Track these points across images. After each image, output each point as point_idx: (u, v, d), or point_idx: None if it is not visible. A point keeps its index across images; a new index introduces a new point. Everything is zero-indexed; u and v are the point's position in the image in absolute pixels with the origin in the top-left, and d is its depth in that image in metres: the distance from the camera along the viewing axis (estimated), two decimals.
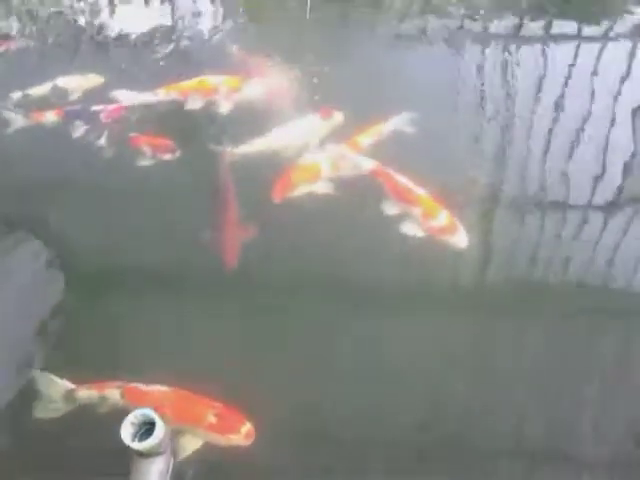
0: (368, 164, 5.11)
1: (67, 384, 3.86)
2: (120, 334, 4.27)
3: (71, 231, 4.97)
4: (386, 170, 5.04)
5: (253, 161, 5.34)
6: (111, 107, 6.03)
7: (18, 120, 5.95)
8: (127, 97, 6.05)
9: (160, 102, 6.01)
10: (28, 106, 6.09)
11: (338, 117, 5.65)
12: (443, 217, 4.75)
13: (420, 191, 4.90)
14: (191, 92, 6.05)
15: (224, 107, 5.92)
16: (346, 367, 4.02)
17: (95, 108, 6.01)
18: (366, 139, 5.44)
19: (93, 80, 6.40)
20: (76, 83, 6.40)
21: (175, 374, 3.78)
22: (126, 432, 3.29)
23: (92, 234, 4.94)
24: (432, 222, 4.73)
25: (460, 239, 4.74)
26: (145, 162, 5.46)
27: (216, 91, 6.04)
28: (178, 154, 5.49)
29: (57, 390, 3.86)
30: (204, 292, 4.49)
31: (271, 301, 4.34)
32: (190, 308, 4.39)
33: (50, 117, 6.00)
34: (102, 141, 5.68)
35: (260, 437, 3.64)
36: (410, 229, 4.74)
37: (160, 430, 3.33)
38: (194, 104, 5.95)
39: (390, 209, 4.86)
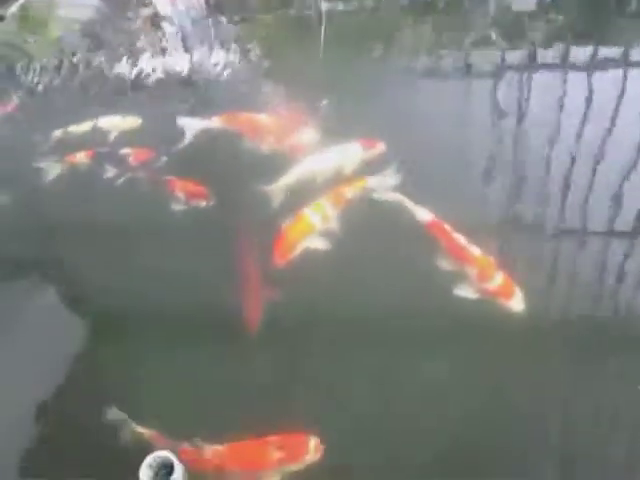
0: (424, 215, 4.79)
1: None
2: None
3: (94, 275, 5.02)
4: (443, 224, 4.73)
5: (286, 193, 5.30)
6: (139, 151, 6.07)
7: (53, 167, 6.04)
8: (190, 124, 6.02)
9: (217, 129, 5.99)
10: (64, 148, 6.19)
11: (380, 148, 5.49)
12: (499, 278, 4.45)
13: (475, 249, 4.60)
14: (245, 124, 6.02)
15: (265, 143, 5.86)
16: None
17: (124, 151, 6.07)
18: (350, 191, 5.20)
19: (131, 122, 6.50)
20: (115, 124, 6.52)
21: (211, 429, 3.72)
22: (144, 475, 3.32)
23: (116, 278, 4.95)
24: (487, 284, 4.44)
25: (516, 303, 4.42)
26: (178, 207, 5.40)
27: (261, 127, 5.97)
28: (211, 202, 5.40)
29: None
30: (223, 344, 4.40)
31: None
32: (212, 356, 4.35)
33: (82, 159, 6.11)
34: (135, 183, 5.71)
35: None
36: (464, 290, 4.45)
37: (179, 473, 3.36)
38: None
39: (443, 265, 4.58)
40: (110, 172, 5.85)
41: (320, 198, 4.99)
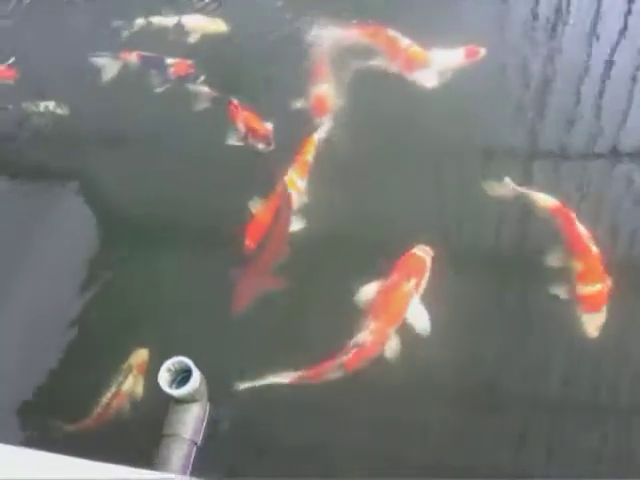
0: (549, 201, 4.36)
1: None
2: None
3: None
4: (569, 212, 4.32)
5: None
6: (180, 63, 5.73)
7: (108, 65, 5.87)
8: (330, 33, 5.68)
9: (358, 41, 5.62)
10: (138, 39, 5.99)
11: (482, 54, 5.28)
12: (598, 286, 4.03)
13: (594, 248, 4.16)
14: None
15: None
16: None
17: (169, 60, 5.77)
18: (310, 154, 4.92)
19: (217, 25, 6.08)
20: (199, 24, 6.16)
21: None
22: (163, 379, 3.42)
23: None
24: (585, 288, 4.05)
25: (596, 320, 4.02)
26: (232, 141, 5.08)
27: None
28: (271, 147, 5.01)
29: None
30: None
31: None
32: None
33: (132, 59, 5.90)
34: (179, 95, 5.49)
35: None
36: (559, 290, 4.08)
37: (196, 377, 3.44)
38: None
39: (553, 260, 4.19)
40: (155, 79, 5.67)
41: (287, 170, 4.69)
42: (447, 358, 3.75)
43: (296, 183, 4.64)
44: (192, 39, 5.99)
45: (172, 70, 5.68)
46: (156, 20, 6.20)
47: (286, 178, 4.64)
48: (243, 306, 4.05)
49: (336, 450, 3.59)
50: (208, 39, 5.92)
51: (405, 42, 5.40)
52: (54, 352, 4.16)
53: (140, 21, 6.20)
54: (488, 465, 3.52)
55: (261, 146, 4.96)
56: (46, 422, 3.78)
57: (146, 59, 5.87)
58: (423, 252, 4.13)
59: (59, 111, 5.59)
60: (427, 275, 4.09)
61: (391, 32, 5.46)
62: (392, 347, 3.85)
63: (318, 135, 4.92)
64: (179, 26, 6.10)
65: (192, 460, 3.43)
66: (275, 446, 3.66)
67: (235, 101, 5.16)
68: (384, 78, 5.19)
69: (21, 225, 4.84)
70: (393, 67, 5.34)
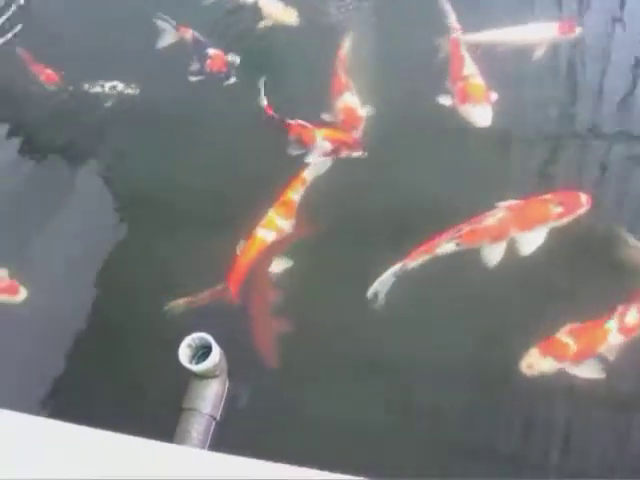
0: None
1: None
2: None
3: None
4: None
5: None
6: (220, 58, 5.60)
7: (168, 32, 5.81)
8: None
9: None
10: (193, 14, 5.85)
11: (577, 33, 5.32)
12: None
13: None
14: None
15: None
16: None
17: (210, 51, 5.65)
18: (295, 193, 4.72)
19: (289, 14, 5.90)
20: (272, 11, 5.96)
21: None
22: (184, 354, 3.44)
23: None
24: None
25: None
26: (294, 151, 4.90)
27: None
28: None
29: None
30: None
31: None
32: None
33: (187, 36, 5.82)
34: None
35: None
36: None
37: (216, 353, 3.45)
38: None
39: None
40: (194, 66, 5.59)
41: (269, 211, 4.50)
42: None
43: (276, 223, 4.46)
44: (261, 25, 5.88)
45: (209, 62, 5.57)
46: None
47: (264, 218, 4.48)
48: (274, 356, 3.91)
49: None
50: (276, 29, 5.81)
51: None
52: None
53: None
54: None
55: (356, 154, 4.79)
56: None
57: (196, 42, 5.77)
58: None
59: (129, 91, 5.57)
60: None
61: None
62: None
63: (308, 173, 4.72)
64: (254, 7, 5.98)
65: (210, 435, 3.48)
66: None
67: (301, 121, 4.96)
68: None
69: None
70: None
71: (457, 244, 4.16)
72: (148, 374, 3.79)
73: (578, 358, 3.72)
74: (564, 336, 3.77)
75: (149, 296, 4.19)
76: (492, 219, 4.23)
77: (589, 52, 5.32)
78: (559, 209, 4.25)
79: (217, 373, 3.48)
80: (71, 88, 5.60)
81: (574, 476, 3.47)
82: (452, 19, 5.51)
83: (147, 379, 3.79)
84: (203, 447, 3.37)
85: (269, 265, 4.30)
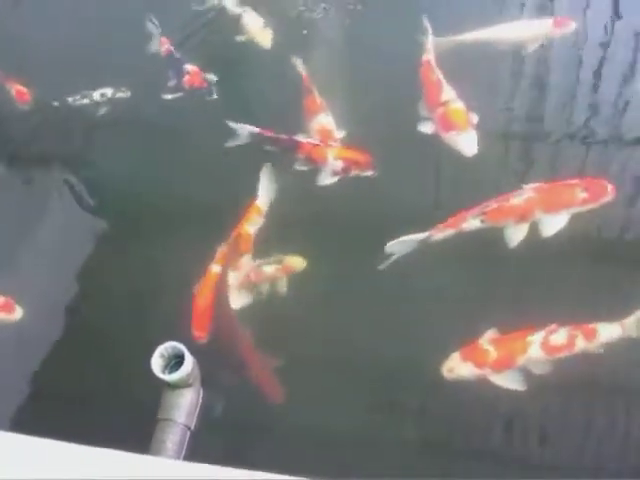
0: None
1: None
2: None
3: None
4: None
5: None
6: (198, 74, 5.45)
7: (155, 38, 5.66)
8: None
9: None
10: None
11: (571, 28, 5.32)
12: None
13: None
14: None
15: None
16: None
17: (188, 67, 5.48)
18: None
19: (265, 35, 5.71)
20: (252, 28, 5.76)
21: None
22: (156, 364, 3.43)
23: None
24: None
25: None
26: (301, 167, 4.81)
27: None
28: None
29: None
30: None
31: None
32: None
33: (163, 49, 5.64)
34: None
35: None
36: None
37: (189, 363, 3.43)
38: None
39: None
40: (170, 81, 5.42)
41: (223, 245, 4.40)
42: None
43: (232, 258, 4.36)
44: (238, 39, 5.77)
45: (187, 78, 5.42)
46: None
47: (218, 254, 4.39)
48: (277, 390, 3.84)
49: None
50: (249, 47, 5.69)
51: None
52: None
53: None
54: None
55: (368, 174, 4.71)
56: None
57: (170, 57, 5.61)
58: None
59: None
60: None
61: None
62: None
63: (260, 200, 4.61)
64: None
65: (186, 445, 3.48)
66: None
67: (312, 139, 4.86)
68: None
69: None
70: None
71: (482, 221, 4.21)
72: (126, 383, 3.81)
73: (498, 367, 3.77)
74: (486, 343, 3.83)
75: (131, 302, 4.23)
76: (518, 199, 4.26)
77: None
78: (584, 195, 4.28)
79: (190, 382, 3.49)
80: (56, 104, 5.43)
81: None
82: (428, 38, 5.31)
83: (125, 389, 3.82)
84: (178, 457, 3.36)
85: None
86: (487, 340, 3.86)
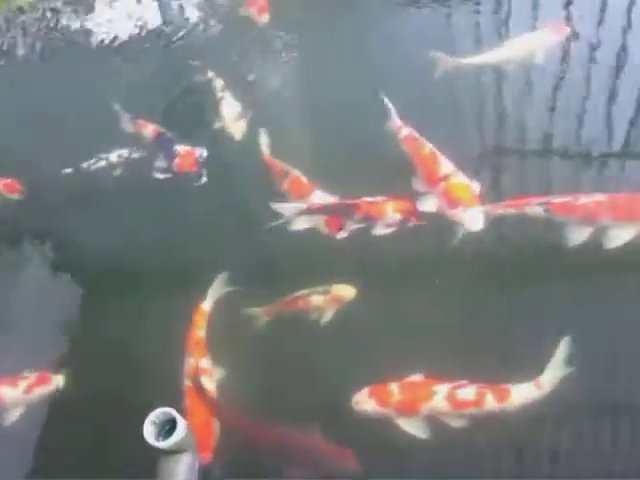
0: None
1: None
2: None
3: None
4: None
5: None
6: (189, 157, 5.37)
7: (125, 123, 5.70)
8: None
9: None
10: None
11: (570, 31, 5.52)
12: None
13: None
14: None
15: None
16: None
17: (178, 148, 5.42)
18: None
19: (238, 127, 5.77)
20: (227, 115, 5.83)
21: None
22: (149, 432, 3.35)
23: None
24: None
25: None
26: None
27: None
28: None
29: None
30: None
31: None
32: None
33: (147, 132, 5.67)
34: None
35: None
36: None
37: (182, 427, 3.36)
38: None
39: None
40: (160, 162, 5.39)
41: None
42: None
43: (203, 367, 4.37)
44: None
45: (178, 161, 5.33)
46: None
47: (186, 367, 4.40)
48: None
49: None
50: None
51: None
52: None
53: None
54: None
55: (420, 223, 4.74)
56: None
57: (160, 137, 5.53)
58: None
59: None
60: None
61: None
62: None
63: (207, 304, 4.69)
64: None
65: None
66: None
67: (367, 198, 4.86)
68: None
69: None
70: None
71: (545, 210, 4.22)
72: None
73: (401, 409, 3.95)
74: (393, 384, 4.02)
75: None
76: (589, 199, 4.24)
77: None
78: None
79: (185, 447, 3.40)
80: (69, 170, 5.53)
81: None
82: (393, 115, 5.26)
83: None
84: None
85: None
86: (395, 382, 4.05)
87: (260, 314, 4.59)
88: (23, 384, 4.49)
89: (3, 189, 5.54)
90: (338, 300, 4.49)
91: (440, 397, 3.94)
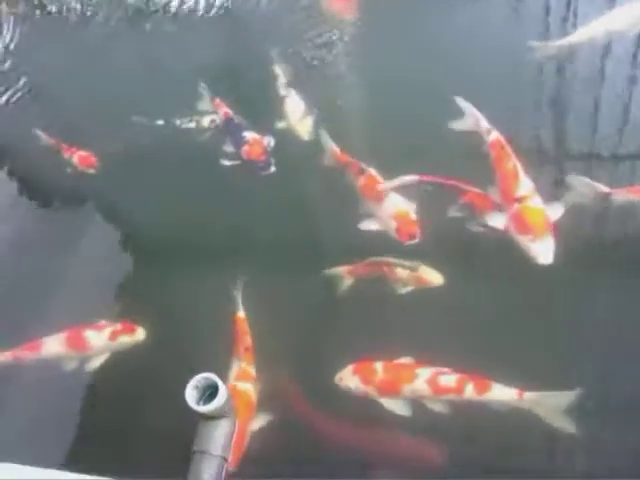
0: None
1: None
2: None
3: None
4: None
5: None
6: (259, 145, 5.29)
7: (205, 104, 5.72)
8: None
9: None
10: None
11: None
12: None
13: None
14: None
15: None
16: None
17: (247, 135, 5.38)
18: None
19: (304, 125, 5.70)
20: (292, 114, 5.71)
21: None
22: (190, 396, 3.43)
23: None
24: None
25: None
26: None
27: None
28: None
29: None
30: None
31: None
32: None
33: (220, 112, 5.63)
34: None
35: None
36: None
37: (223, 392, 3.44)
38: None
39: None
40: (227, 147, 5.38)
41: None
42: None
43: (248, 374, 4.39)
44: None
45: (246, 148, 5.27)
46: None
47: (231, 377, 4.41)
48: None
49: None
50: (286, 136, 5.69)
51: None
52: None
53: None
54: None
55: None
56: None
57: (229, 122, 5.52)
58: None
59: None
60: None
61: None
62: None
63: (241, 312, 4.72)
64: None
65: (223, 476, 3.44)
66: None
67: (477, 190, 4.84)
68: None
69: None
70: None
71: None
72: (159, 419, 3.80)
73: (382, 388, 4.01)
74: (378, 362, 4.09)
75: None
76: None
77: None
78: None
79: (226, 412, 3.47)
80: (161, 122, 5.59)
81: None
82: (481, 120, 5.05)
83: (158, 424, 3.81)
84: None
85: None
86: (380, 362, 4.13)
87: (343, 273, 4.73)
88: (108, 330, 4.66)
89: (78, 162, 5.65)
90: (422, 282, 4.53)
91: (421, 381, 3.99)
